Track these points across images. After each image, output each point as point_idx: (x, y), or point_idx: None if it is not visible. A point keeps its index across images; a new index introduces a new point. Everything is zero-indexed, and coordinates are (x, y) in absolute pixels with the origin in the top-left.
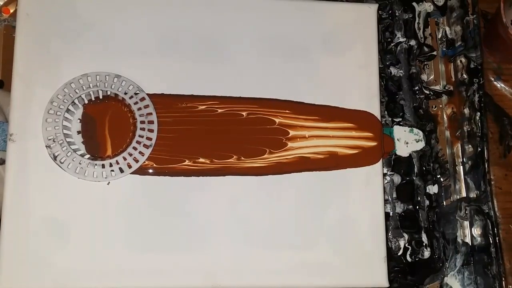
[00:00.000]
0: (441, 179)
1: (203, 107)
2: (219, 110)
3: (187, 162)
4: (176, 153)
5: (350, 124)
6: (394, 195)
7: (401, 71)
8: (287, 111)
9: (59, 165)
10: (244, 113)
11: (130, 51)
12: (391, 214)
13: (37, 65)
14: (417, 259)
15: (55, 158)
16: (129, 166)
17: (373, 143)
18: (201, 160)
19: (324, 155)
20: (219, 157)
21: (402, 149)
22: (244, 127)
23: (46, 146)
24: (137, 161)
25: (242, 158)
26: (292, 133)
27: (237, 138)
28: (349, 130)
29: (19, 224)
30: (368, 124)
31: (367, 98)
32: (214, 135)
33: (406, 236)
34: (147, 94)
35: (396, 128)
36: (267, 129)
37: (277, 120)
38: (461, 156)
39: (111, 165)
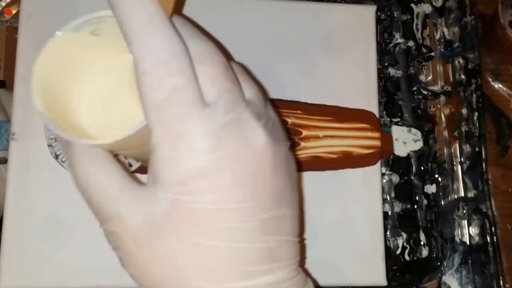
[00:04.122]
0: (439, 179)
1: None
2: None
3: None
4: None
5: (365, 125)
6: (393, 195)
7: (400, 72)
8: (298, 111)
9: (60, 164)
10: None
11: None
12: (389, 214)
13: None
14: (415, 258)
15: (56, 157)
16: (130, 165)
17: (377, 143)
18: None
19: (338, 155)
20: None
21: (401, 149)
22: None
23: (47, 145)
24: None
25: None
26: (305, 133)
27: None
28: (365, 131)
29: (20, 222)
30: (370, 123)
31: (365, 99)
32: None
33: (404, 235)
34: None
35: (395, 128)
36: None
37: (289, 121)
38: (459, 156)
39: None
